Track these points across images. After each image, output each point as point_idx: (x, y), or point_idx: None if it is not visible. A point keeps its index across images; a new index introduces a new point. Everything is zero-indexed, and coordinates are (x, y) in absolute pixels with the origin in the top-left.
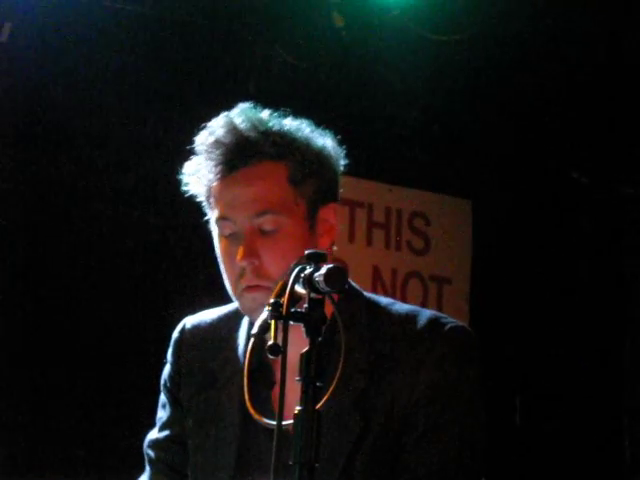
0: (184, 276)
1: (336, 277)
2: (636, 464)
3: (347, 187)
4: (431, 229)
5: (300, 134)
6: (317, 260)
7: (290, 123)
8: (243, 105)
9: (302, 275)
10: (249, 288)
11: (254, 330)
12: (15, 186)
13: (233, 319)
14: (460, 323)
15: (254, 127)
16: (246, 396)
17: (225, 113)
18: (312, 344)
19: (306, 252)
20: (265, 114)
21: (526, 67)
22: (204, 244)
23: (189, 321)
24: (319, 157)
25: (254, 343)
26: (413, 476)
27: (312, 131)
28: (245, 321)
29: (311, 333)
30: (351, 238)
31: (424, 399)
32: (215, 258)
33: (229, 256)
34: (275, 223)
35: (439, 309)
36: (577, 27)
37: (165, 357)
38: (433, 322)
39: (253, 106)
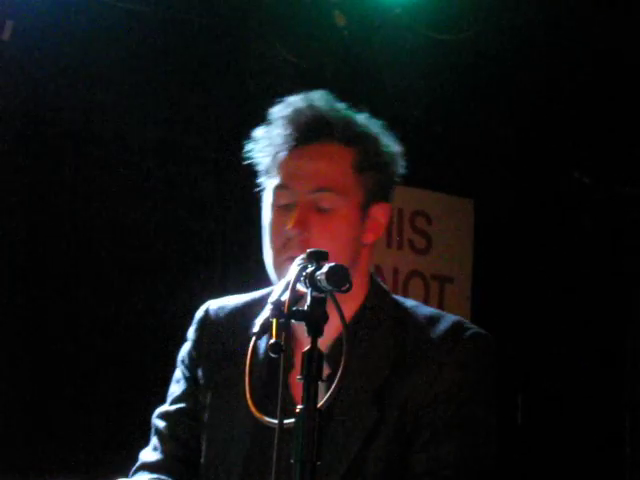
0: (185, 276)
1: (338, 275)
2: (637, 462)
3: None
4: (433, 228)
5: (372, 128)
6: (319, 259)
7: (365, 117)
8: (322, 92)
9: (304, 273)
10: (291, 258)
11: (255, 329)
12: (16, 184)
13: (256, 306)
14: (482, 330)
15: (331, 109)
16: (247, 395)
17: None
18: (313, 343)
19: (308, 250)
20: (343, 104)
21: (528, 66)
22: (204, 244)
23: (213, 303)
24: (384, 153)
25: (255, 342)
26: (426, 470)
27: (384, 131)
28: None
29: (312, 332)
30: None
31: (442, 396)
32: (216, 259)
33: (278, 225)
34: (332, 203)
35: (440, 308)
36: (580, 26)
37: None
38: (456, 326)
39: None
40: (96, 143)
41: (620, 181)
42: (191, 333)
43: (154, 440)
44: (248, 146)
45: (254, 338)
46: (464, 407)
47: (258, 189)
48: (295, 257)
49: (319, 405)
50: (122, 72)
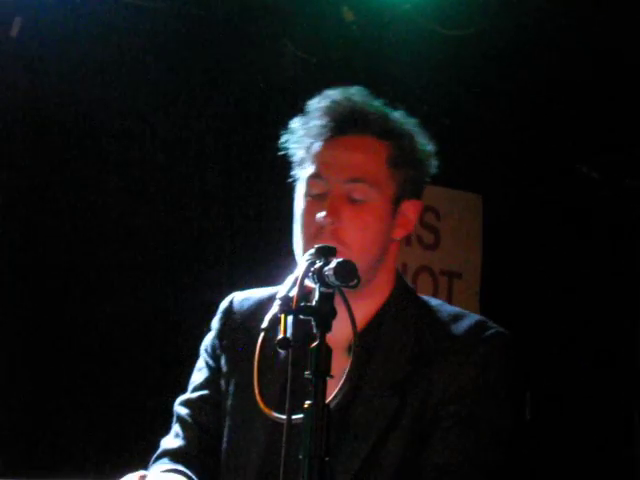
0: (186, 276)
1: (346, 271)
2: None
3: None
4: (441, 224)
5: (408, 125)
6: (327, 254)
7: (401, 113)
8: (359, 87)
9: (312, 269)
10: None
11: (264, 324)
12: (24, 179)
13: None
14: (504, 330)
15: (369, 103)
16: (256, 390)
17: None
18: (321, 338)
19: (316, 246)
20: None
21: (536, 61)
22: (205, 243)
23: (238, 294)
24: (419, 151)
25: (264, 337)
26: (440, 461)
27: (419, 129)
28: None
29: (320, 327)
30: None
31: (459, 393)
32: (221, 257)
33: (310, 214)
34: (365, 194)
35: (449, 303)
36: (585, 21)
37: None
38: (479, 325)
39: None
40: (103, 139)
41: (629, 176)
42: (215, 323)
43: (176, 427)
44: (283, 137)
45: (262, 334)
46: (482, 403)
47: (291, 179)
48: None
49: (328, 401)
50: (129, 67)
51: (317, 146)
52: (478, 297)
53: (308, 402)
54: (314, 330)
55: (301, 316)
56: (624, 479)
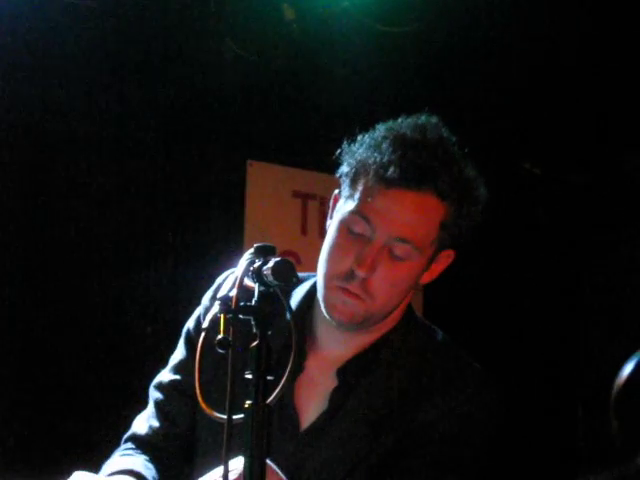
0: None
1: (283, 270)
2: (590, 454)
3: (300, 178)
4: None
5: (473, 183)
6: (266, 253)
7: (469, 166)
8: (433, 120)
9: (251, 268)
10: (347, 291)
11: (205, 324)
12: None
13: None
14: (496, 387)
15: (441, 152)
16: (197, 390)
17: (422, 121)
18: (262, 338)
19: (255, 245)
20: (450, 146)
21: (476, 59)
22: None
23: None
24: (475, 211)
25: (205, 338)
26: None
27: (480, 183)
28: (299, 291)
29: (260, 327)
30: (304, 230)
31: (437, 438)
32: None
33: (344, 251)
34: (407, 254)
35: None
36: (526, 19)
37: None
38: (475, 374)
39: (441, 124)
40: (41, 139)
41: (571, 171)
42: (205, 298)
43: (148, 409)
44: (343, 149)
45: (203, 334)
46: (455, 455)
47: (339, 188)
48: (350, 291)
49: (269, 400)
50: (66, 67)
51: (374, 188)
52: (422, 292)
53: (248, 402)
54: (254, 330)
55: (240, 315)
56: (569, 472)
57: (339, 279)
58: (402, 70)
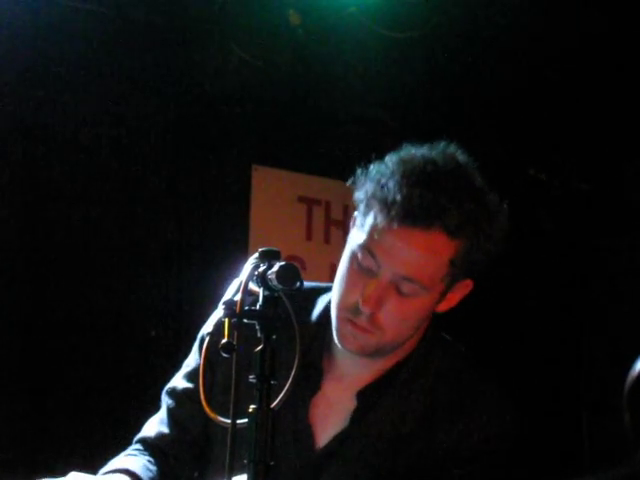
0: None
1: (288, 275)
2: (594, 457)
3: (305, 184)
4: None
5: (488, 215)
6: (271, 258)
7: (487, 197)
8: (449, 150)
9: (256, 273)
10: (355, 325)
11: (209, 329)
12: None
13: (312, 294)
14: (516, 410)
15: (452, 193)
16: (202, 395)
17: (436, 151)
18: (266, 342)
19: (260, 249)
20: (465, 177)
21: (481, 65)
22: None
23: None
24: (488, 246)
25: (209, 342)
26: None
27: (500, 213)
28: (321, 301)
29: (265, 331)
30: (309, 236)
31: (464, 455)
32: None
33: (352, 283)
34: (414, 292)
35: None
36: (531, 25)
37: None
38: (496, 400)
39: (458, 152)
40: (50, 143)
41: (576, 178)
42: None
43: (160, 413)
44: (357, 177)
45: (208, 338)
46: (477, 472)
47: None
48: (357, 324)
49: (273, 405)
50: (72, 72)
51: (381, 225)
52: None
53: (252, 406)
54: (258, 334)
55: (245, 320)
56: (573, 475)
57: (348, 311)
58: (408, 75)
